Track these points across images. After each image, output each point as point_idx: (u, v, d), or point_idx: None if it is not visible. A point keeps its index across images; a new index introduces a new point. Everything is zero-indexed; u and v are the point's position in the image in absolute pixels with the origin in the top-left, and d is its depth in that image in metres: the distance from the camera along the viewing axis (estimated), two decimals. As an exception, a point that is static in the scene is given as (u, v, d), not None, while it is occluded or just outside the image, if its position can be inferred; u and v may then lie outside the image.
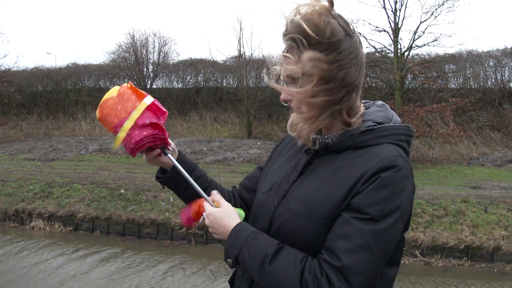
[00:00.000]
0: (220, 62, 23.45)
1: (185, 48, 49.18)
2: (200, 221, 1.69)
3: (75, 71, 25.32)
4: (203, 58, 24.11)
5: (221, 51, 33.82)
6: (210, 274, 8.04)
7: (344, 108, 1.45)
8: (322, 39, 1.35)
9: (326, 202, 1.40)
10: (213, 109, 22.10)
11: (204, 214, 1.64)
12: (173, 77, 24.61)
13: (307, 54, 1.37)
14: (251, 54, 21.03)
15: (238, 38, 20.93)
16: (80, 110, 23.10)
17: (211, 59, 23.07)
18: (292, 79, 1.44)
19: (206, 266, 8.44)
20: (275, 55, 1.52)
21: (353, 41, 1.41)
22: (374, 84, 17.64)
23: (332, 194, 1.40)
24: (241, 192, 1.97)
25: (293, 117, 1.60)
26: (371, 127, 1.46)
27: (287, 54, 1.41)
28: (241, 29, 21.28)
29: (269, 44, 20.90)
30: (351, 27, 1.42)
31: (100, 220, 10.57)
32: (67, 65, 26.29)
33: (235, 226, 1.54)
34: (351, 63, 1.40)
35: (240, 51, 21.04)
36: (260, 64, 21.18)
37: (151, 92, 23.69)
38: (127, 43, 24.95)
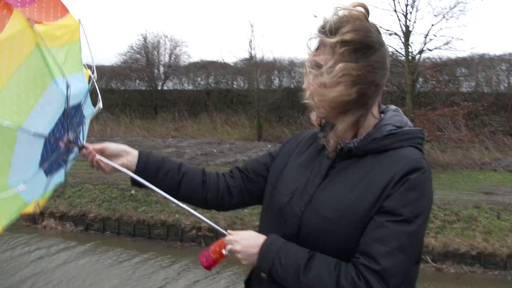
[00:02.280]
0: (231, 64, 23.48)
1: (196, 50, 49.20)
2: (226, 253, 1.67)
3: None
4: (214, 60, 24.14)
5: (232, 53, 33.87)
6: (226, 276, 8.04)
7: (366, 112, 1.49)
8: (356, 43, 1.40)
9: (357, 206, 1.41)
10: (223, 111, 22.11)
11: (228, 247, 1.63)
12: (184, 79, 24.68)
13: (339, 53, 1.41)
14: (262, 57, 21.03)
15: (249, 40, 20.94)
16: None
17: (222, 61, 23.09)
18: (318, 68, 1.47)
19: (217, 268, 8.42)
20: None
21: (383, 50, 1.47)
22: (385, 88, 17.54)
23: (362, 198, 1.41)
24: (250, 174, 1.91)
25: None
26: (392, 131, 1.49)
27: (322, 42, 1.45)
28: (252, 31, 21.25)
29: (280, 46, 20.84)
30: (382, 36, 1.47)
31: (111, 221, 10.62)
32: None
33: (265, 241, 1.55)
34: (379, 70, 1.45)
35: (251, 53, 21.06)
36: (271, 67, 21.19)
37: (162, 93, 23.80)
38: (139, 45, 25.07)
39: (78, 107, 2.05)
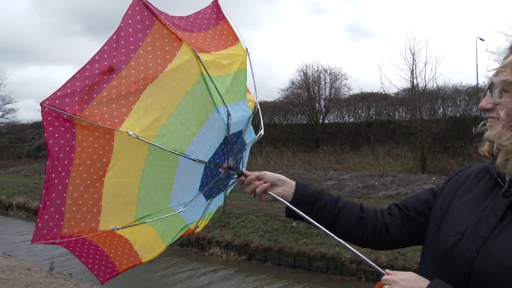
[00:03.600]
0: (392, 95, 22.96)
1: (356, 82, 49.19)
2: None
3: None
4: (374, 91, 23.84)
5: (393, 84, 33.11)
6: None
7: None
8: None
9: None
10: (385, 143, 21.60)
11: (385, 287, 1.48)
12: (344, 112, 24.75)
13: None
14: (425, 86, 20.22)
15: (411, 69, 20.32)
16: (256, 145, 24.22)
17: (383, 92, 22.69)
18: (505, 89, 1.34)
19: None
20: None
21: None
22: None
23: None
24: (410, 212, 1.76)
25: (490, 133, 1.43)
26: None
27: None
28: (414, 59, 20.53)
29: (444, 74, 19.83)
30: None
31: (272, 251, 10.90)
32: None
33: (428, 286, 1.39)
34: None
35: (413, 82, 20.38)
36: (435, 96, 20.25)
37: (323, 126, 24.06)
38: (300, 80, 25.82)
39: (239, 135, 2.19)
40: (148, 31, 1.75)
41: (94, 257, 1.91)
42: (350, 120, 24.35)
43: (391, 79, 33.87)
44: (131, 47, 1.72)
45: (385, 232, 1.79)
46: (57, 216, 1.68)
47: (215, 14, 2.16)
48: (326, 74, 25.45)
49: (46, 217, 1.65)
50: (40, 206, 1.67)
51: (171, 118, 1.81)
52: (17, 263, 9.25)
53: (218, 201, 2.30)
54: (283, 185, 1.89)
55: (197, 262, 11.07)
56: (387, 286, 1.47)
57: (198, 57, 1.80)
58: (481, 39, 23.50)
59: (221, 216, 12.69)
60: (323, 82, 25.37)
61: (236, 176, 2.04)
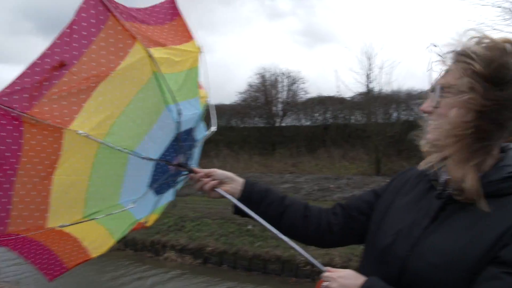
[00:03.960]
0: (348, 98, 23.31)
1: (313, 85, 49.83)
2: None
3: (209, 112, 26.60)
4: (331, 95, 24.14)
5: (349, 87, 33.67)
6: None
7: (485, 150, 1.36)
8: (488, 73, 1.31)
9: (468, 254, 1.30)
10: (341, 146, 21.90)
11: (324, 283, 1.54)
12: (301, 115, 24.95)
13: (469, 81, 1.33)
14: (380, 90, 20.64)
15: (367, 74, 20.67)
16: (213, 148, 24.17)
17: (339, 96, 23.01)
18: (444, 92, 1.40)
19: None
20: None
21: None
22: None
23: (474, 246, 1.30)
24: (353, 212, 1.82)
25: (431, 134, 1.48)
26: None
27: (458, 66, 1.37)
28: (369, 64, 20.89)
29: (398, 79, 20.38)
30: None
31: (228, 255, 10.84)
32: (202, 105, 27.58)
33: (364, 283, 1.46)
34: (506, 110, 1.33)
35: (368, 87, 20.75)
36: (389, 100, 20.68)
37: (280, 130, 24.21)
38: (257, 83, 25.87)
39: (190, 132, 2.22)
40: (102, 26, 1.71)
41: (42, 256, 1.90)
42: (307, 123, 24.58)
43: (347, 83, 34.37)
44: (84, 41, 1.68)
45: (328, 231, 1.84)
46: (3, 214, 1.66)
47: (171, 10, 2.17)
48: (284, 77, 25.60)
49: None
50: None
51: (123, 116, 1.80)
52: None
53: (168, 196, 2.33)
54: (232, 182, 1.92)
55: (149, 266, 10.88)
56: (326, 283, 1.53)
57: (150, 56, 1.79)
58: (434, 45, 24.15)
59: (176, 219, 12.55)
60: (280, 85, 25.50)
61: (185, 172, 2.06)
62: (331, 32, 50.28)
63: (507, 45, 1.33)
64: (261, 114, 25.33)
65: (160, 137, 2.01)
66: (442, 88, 1.40)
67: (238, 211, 1.91)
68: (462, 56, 1.36)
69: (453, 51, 1.39)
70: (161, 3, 2.14)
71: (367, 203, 1.80)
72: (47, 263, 1.93)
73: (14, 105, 1.55)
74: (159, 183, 2.14)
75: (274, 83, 25.47)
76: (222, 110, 26.59)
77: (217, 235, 11.41)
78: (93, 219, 1.86)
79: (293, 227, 1.85)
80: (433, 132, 1.43)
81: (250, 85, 26.27)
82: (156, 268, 10.68)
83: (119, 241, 2.14)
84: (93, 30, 1.69)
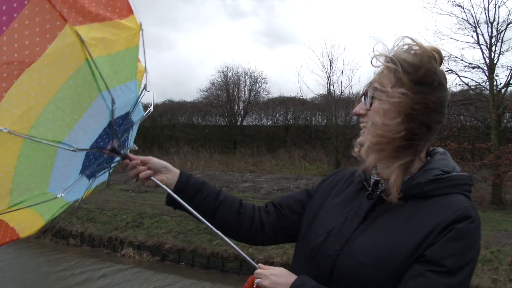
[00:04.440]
0: (309, 100, 23.54)
1: (275, 86, 49.97)
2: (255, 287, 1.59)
3: (170, 108, 26.47)
4: (292, 96, 24.33)
5: (311, 89, 33.96)
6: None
7: (413, 151, 1.43)
8: (417, 77, 1.38)
9: (396, 252, 1.34)
10: (301, 147, 22.11)
11: (256, 280, 1.56)
12: (263, 115, 25.07)
13: (399, 85, 1.39)
14: (341, 93, 20.95)
15: (328, 76, 20.92)
16: (173, 145, 23.99)
17: (301, 97, 23.21)
18: (376, 94, 1.45)
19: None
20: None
21: (444, 95, 1.43)
22: (468, 123, 16.72)
23: (402, 245, 1.35)
24: (285, 210, 1.85)
25: (361, 138, 1.55)
26: (439, 176, 1.41)
27: (389, 71, 1.43)
28: (331, 66, 21.16)
29: (359, 82, 20.68)
30: (447, 83, 1.45)
31: (186, 252, 10.77)
32: (163, 102, 27.38)
33: (295, 281, 1.49)
34: (434, 113, 1.40)
35: (329, 89, 21.01)
36: (350, 102, 21.00)
37: (241, 129, 24.22)
38: (220, 81, 25.84)
39: (126, 116, 2.09)
40: (26, 2, 1.46)
41: None
42: (268, 123, 24.70)
43: (309, 85, 34.71)
44: (4, 18, 1.43)
45: (260, 229, 1.86)
46: None
47: None
48: (246, 77, 25.64)
49: None
50: None
51: (50, 105, 1.64)
52: None
53: (102, 177, 2.24)
54: (167, 172, 1.89)
55: (105, 263, 10.70)
56: (258, 279, 1.54)
57: (82, 41, 1.58)
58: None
59: (134, 216, 12.41)
60: (243, 85, 25.53)
61: (118, 159, 2.01)
62: (292, 33, 50.64)
63: (435, 53, 1.42)
64: (222, 112, 25.31)
65: (91, 126, 1.87)
66: (374, 90, 1.45)
67: (171, 202, 1.89)
68: (393, 62, 1.41)
69: (385, 56, 1.45)
70: None
71: (299, 202, 1.84)
72: None
73: None
74: (91, 169, 2.05)
75: (237, 82, 25.50)
76: (183, 107, 26.44)
77: (176, 233, 11.31)
78: (18, 209, 1.77)
79: (226, 223, 1.86)
80: (364, 134, 1.50)
81: (212, 83, 26.22)
82: (113, 264, 10.53)
83: (47, 222, 2.06)
84: (15, 5, 1.44)
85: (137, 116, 2.22)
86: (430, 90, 1.39)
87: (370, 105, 1.46)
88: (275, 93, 26.01)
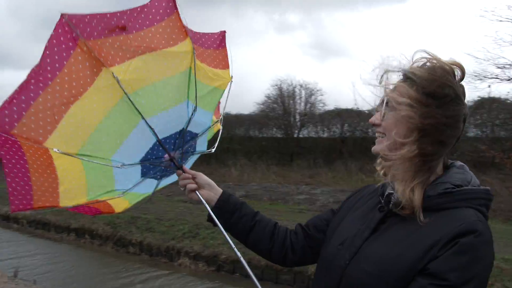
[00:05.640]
0: (366, 111, 23.26)
1: (331, 98, 49.63)
2: None
3: (228, 121, 26.77)
4: (348, 108, 24.14)
5: (367, 101, 33.30)
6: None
7: (429, 169, 1.45)
8: (429, 91, 1.41)
9: (400, 263, 1.36)
10: (359, 159, 21.80)
11: None
12: (319, 127, 24.99)
13: (411, 98, 1.42)
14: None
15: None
16: (231, 157, 24.28)
17: (357, 108, 22.98)
18: (389, 106, 1.50)
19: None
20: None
21: (459, 108, 1.44)
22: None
23: (406, 256, 1.36)
24: (310, 230, 1.94)
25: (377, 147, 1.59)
26: (449, 189, 1.41)
27: (402, 84, 1.47)
28: (387, 78, 20.70)
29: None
30: (465, 97, 1.46)
31: (240, 264, 10.80)
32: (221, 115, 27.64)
33: None
34: (448, 128, 1.43)
35: (386, 100, 20.65)
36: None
37: (298, 141, 24.23)
38: (275, 94, 26.01)
39: (194, 136, 2.39)
40: (71, 51, 1.85)
41: (19, 182, 1.97)
42: (325, 136, 24.60)
43: (364, 96, 34.04)
44: (56, 65, 1.82)
45: (291, 250, 1.96)
46: (15, 115, 1.80)
47: (219, 40, 2.42)
48: (301, 89, 25.71)
49: (7, 109, 1.78)
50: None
51: (96, 130, 1.98)
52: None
53: (149, 187, 2.44)
54: (210, 189, 2.11)
55: (162, 271, 11.02)
56: None
57: (118, 82, 1.94)
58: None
59: (191, 227, 12.69)
60: (298, 97, 25.61)
61: (175, 167, 2.21)
62: (342, 45, 50.31)
63: (455, 67, 1.45)
64: (279, 124, 25.45)
65: (170, 122, 2.20)
66: (388, 102, 1.49)
67: (210, 219, 2.06)
68: (406, 76, 1.46)
69: (400, 69, 1.49)
70: (212, 33, 2.38)
71: (325, 221, 1.90)
72: (20, 191, 1.98)
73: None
74: (149, 163, 2.26)
75: (292, 94, 25.58)
76: (240, 119, 26.76)
77: (231, 244, 11.48)
78: (81, 159, 1.97)
79: (259, 242, 1.99)
80: (379, 144, 1.55)
81: (268, 96, 26.43)
82: (171, 272, 10.84)
83: (87, 204, 2.17)
84: (64, 54, 1.83)
85: (200, 148, 2.51)
86: (443, 104, 1.40)
87: (384, 115, 1.51)
88: (331, 105, 25.84)
